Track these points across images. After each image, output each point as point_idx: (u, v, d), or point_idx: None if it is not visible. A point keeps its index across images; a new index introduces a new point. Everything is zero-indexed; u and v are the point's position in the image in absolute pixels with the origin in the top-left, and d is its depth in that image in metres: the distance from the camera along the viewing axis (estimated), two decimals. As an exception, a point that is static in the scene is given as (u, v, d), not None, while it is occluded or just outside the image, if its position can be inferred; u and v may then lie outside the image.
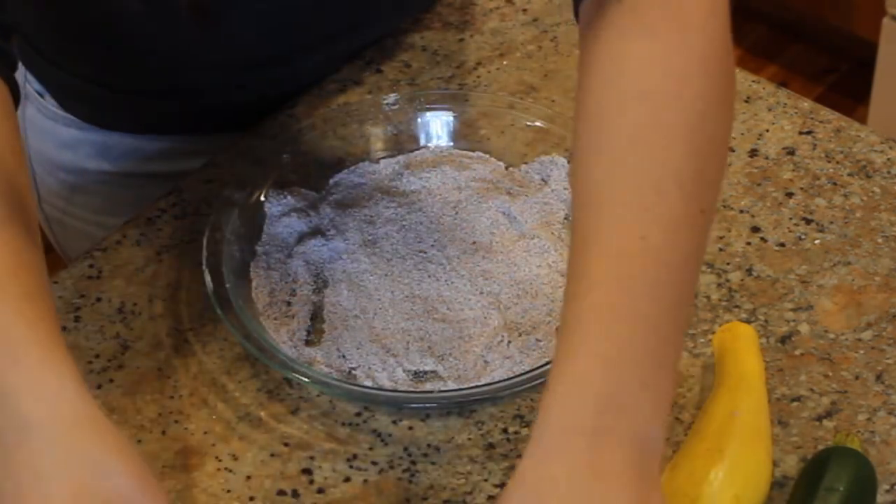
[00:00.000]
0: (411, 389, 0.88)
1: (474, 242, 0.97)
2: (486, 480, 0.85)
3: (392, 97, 1.05)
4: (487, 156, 1.03)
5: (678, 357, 0.71)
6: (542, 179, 1.00)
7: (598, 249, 0.70)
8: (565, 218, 0.98)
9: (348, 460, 0.86)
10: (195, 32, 1.02)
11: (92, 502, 0.67)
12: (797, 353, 0.91)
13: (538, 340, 0.90)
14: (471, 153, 1.03)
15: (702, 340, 0.91)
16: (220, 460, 0.86)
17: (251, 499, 0.84)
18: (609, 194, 0.71)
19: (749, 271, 0.95)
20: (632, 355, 0.68)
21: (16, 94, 0.82)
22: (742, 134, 1.05)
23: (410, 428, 0.88)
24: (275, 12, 1.03)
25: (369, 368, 0.89)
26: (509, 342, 0.91)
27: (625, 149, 0.72)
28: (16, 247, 0.74)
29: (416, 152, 1.03)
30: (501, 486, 0.84)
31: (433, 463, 0.86)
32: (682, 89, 0.73)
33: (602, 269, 0.69)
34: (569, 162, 0.79)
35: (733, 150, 1.03)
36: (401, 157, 1.03)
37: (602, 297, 0.68)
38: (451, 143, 1.04)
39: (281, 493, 0.85)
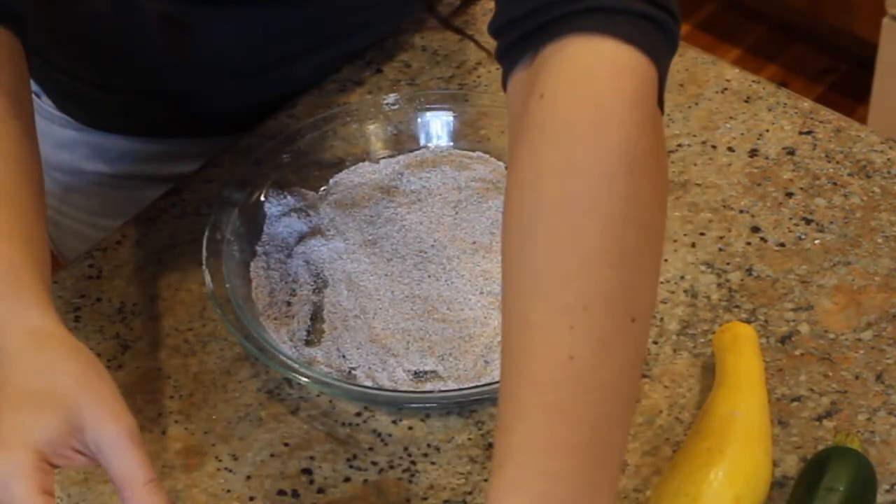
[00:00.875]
0: (411, 389, 0.88)
1: (474, 242, 0.97)
2: (486, 480, 0.85)
3: (392, 97, 1.05)
4: (487, 156, 1.03)
5: (617, 473, 0.69)
6: (542, 179, 1.00)
7: (528, 377, 0.67)
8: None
9: (348, 460, 0.86)
10: (171, 42, 1.02)
11: (31, 400, 0.71)
12: (797, 353, 0.91)
13: (538, 340, 0.90)
14: (471, 153, 1.03)
15: (702, 340, 0.91)
16: (220, 460, 0.86)
17: (251, 499, 0.84)
18: (535, 316, 0.68)
19: (749, 271, 0.95)
20: (566, 487, 0.66)
21: (27, 46, 0.83)
22: (742, 134, 1.05)
23: (410, 428, 0.88)
24: (261, 22, 1.03)
25: (369, 368, 0.89)
26: (509, 342, 0.91)
27: (547, 266, 0.69)
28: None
29: (416, 152, 1.03)
30: (501, 486, 0.84)
31: (433, 463, 0.86)
32: (601, 195, 0.69)
33: (532, 398, 0.67)
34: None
35: (733, 151, 1.04)
36: (401, 157, 1.03)
37: (533, 430, 0.67)
38: (451, 143, 1.04)
39: (281, 493, 0.85)
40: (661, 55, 0.73)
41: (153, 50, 1.03)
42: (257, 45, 1.05)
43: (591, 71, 0.71)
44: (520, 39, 0.74)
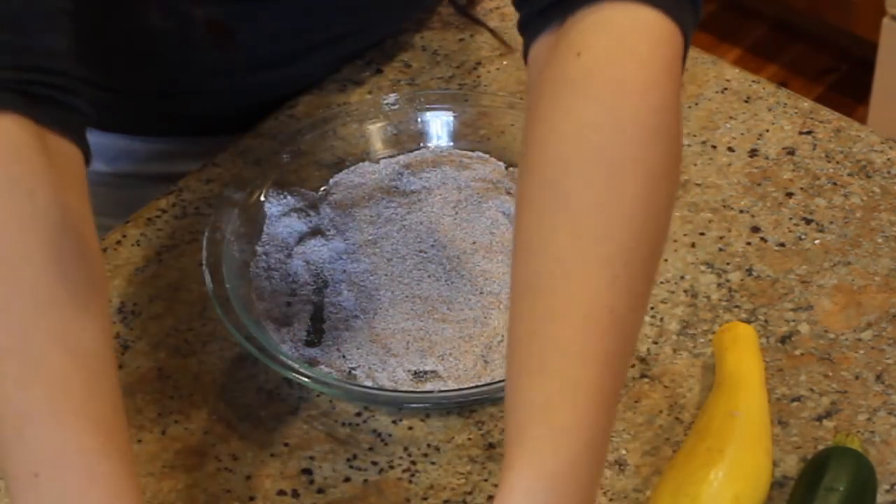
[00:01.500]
0: (411, 389, 0.88)
1: (474, 242, 0.97)
2: (486, 480, 0.85)
3: (392, 97, 1.05)
4: (487, 156, 1.03)
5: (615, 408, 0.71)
6: (542, 179, 1.00)
7: (570, 321, 0.68)
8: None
9: (348, 460, 0.86)
10: (210, 45, 1.02)
11: None
12: (797, 353, 0.91)
13: (538, 340, 0.90)
14: (471, 153, 1.03)
15: (702, 340, 0.91)
16: (220, 460, 0.86)
17: (251, 499, 0.84)
18: (574, 264, 0.69)
19: (749, 271, 0.95)
20: (593, 434, 0.67)
21: (87, 157, 0.78)
22: (742, 134, 1.05)
23: (410, 428, 0.88)
24: (285, 22, 1.03)
25: (369, 368, 0.89)
26: (509, 342, 0.91)
27: (589, 216, 0.70)
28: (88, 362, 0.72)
29: (416, 152, 1.03)
30: (501, 486, 0.84)
31: (433, 463, 0.86)
32: (642, 152, 0.71)
33: (576, 342, 0.67)
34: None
35: (733, 151, 1.04)
36: (401, 157, 1.03)
37: (576, 374, 0.67)
38: (451, 143, 1.04)
39: (281, 493, 0.85)
40: (688, 26, 0.74)
41: (164, 51, 1.03)
42: (259, 44, 1.05)
43: (633, 35, 0.73)
44: (548, 7, 0.75)
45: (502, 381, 0.87)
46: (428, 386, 0.89)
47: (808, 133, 1.05)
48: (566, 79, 0.72)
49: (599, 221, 0.69)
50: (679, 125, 0.73)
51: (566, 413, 0.66)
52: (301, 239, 0.98)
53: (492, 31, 1.12)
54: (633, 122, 0.71)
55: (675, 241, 0.97)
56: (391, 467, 0.86)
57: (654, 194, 0.70)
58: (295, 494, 0.85)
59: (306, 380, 0.87)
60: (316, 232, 0.98)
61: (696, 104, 1.07)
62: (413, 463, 0.86)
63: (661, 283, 0.94)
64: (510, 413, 0.68)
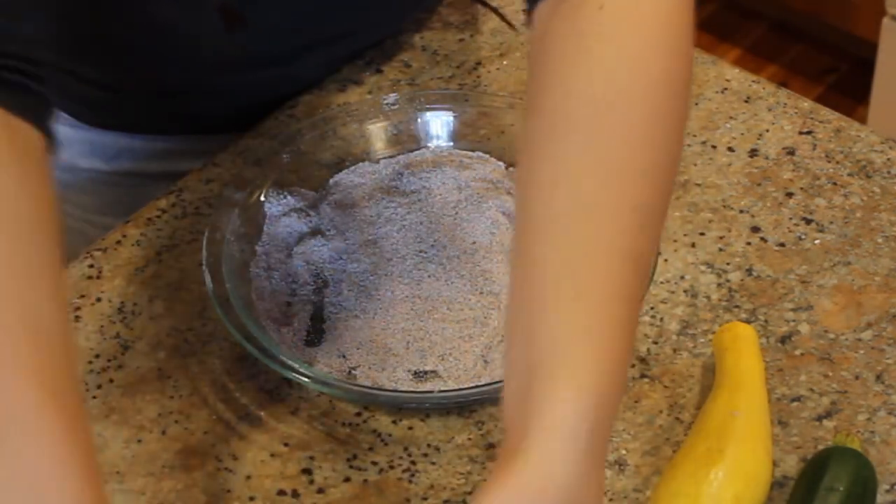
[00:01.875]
0: (411, 389, 0.89)
1: (474, 242, 0.97)
2: (485, 480, 0.85)
3: (392, 97, 1.05)
4: (487, 156, 1.03)
5: None
6: (542, 179, 1.00)
7: (608, 261, 0.69)
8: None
9: (348, 460, 0.86)
10: (221, 35, 1.02)
11: None
12: (797, 353, 0.91)
13: (538, 340, 0.90)
14: (471, 153, 1.03)
15: (702, 340, 0.91)
16: (220, 460, 0.86)
17: (251, 499, 0.84)
18: (603, 210, 0.70)
19: (749, 271, 0.95)
20: (623, 378, 0.69)
21: (52, 144, 0.78)
22: (742, 134, 1.05)
23: (410, 428, 0.88)
24: (286, 20, 1.03)
25: (369, 368, 0.89)
26: (509, 342, 0.91)
27: (622, 162, 0.72)
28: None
29: (416, 152, 1.03)
30: (501, 486, 0.84)
31: (433, 463, 0.86)
32: (674, 107, 0.74)
33: (613, 281, 0.69)
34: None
35: (733, 151, 1.04)
36: (401, 157, 1.03)
37: (615, 311, 0.68)
38: (451, 143, 1.04)
39: (281, 493, 0.85)
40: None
41: (165, 49, 1.03)
42: (260, 38, 1.04)
43: None
44: None
45: (502, 381, 0.86)
46: (428, 386, 0.89)
47: (808, 133, 1.05)
48: (591, 29, 0.74)
49: (632, 167, 0.71)
50: (690, 92, 0.76)
51: (608, 344, 0.67)
52: (301, 239, 0.98)
53: (501, 14, 1.12)
54: (661, 79, 0.73)
55: (675, 241, 0.97)
56: (391, 467, 0.86)
57: (674, 150, 0.73)
58: (295, 494, 0.85)
59: (306, 380, 0.87)
60: (316, 232, 0.98)
61: (696, 104, 1.07)
62: (413, 463, 0.86)
63: (661, 283, 0.95)
64: (540, 327, 0.68)
